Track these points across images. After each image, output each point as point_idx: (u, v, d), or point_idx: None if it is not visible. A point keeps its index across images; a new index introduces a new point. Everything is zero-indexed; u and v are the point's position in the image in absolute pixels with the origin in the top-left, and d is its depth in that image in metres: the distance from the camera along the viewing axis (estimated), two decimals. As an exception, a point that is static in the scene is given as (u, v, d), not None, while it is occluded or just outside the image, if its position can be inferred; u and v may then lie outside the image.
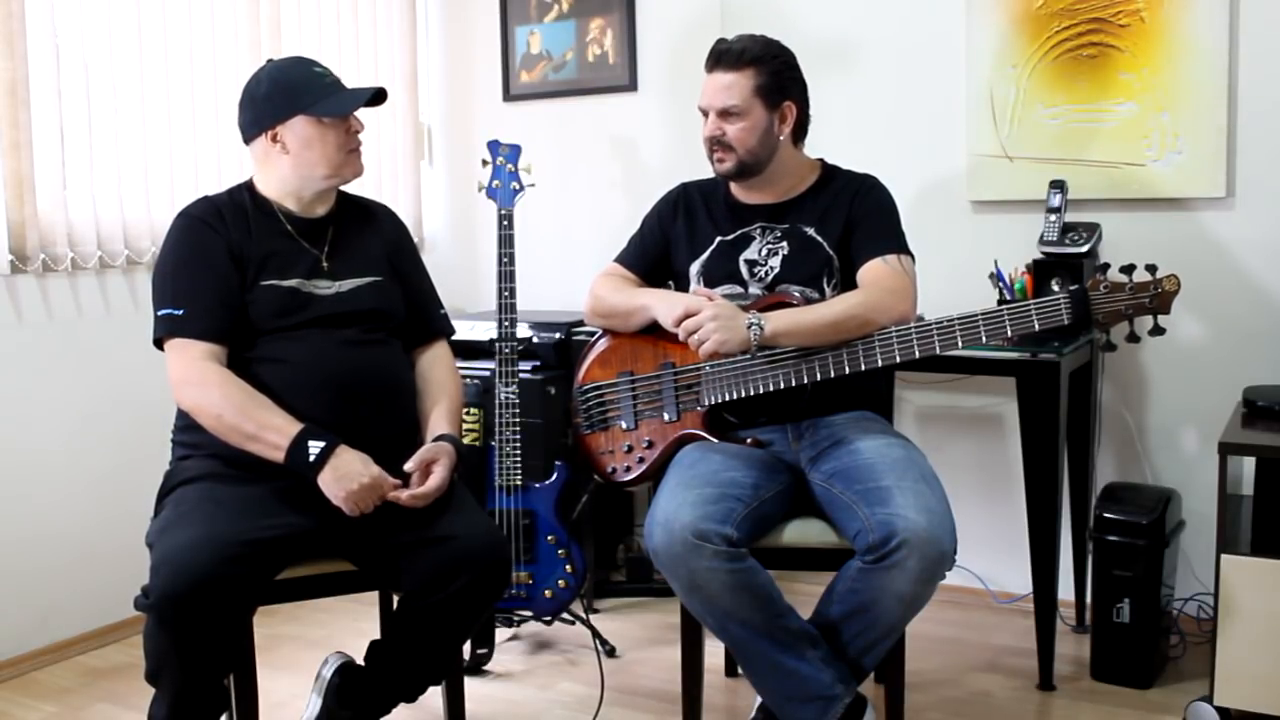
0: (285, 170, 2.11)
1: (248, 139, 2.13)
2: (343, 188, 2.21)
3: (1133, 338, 2.07)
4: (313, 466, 1.91)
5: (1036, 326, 2.04)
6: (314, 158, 2.08)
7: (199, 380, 1.96)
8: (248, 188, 2.16)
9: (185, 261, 2.05)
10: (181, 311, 2.00)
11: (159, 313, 2.03)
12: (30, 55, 2.73)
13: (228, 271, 2.04)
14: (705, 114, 2.29)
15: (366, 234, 2.21)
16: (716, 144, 2.28)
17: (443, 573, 1.95)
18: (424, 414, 2.19)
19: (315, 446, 1.91)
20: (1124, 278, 2.03)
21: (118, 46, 2.92)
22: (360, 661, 2.21)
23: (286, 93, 2.07)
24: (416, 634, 2.06)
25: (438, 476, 2.04)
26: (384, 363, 2.13)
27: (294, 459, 1.91)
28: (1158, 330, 2.04)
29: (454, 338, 2.35)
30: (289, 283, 2.08)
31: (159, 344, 2.03)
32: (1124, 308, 2.03)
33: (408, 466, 2.03)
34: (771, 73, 2.24)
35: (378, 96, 2.12)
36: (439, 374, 2.25)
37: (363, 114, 2.16)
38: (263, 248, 2.08)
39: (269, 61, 2.15)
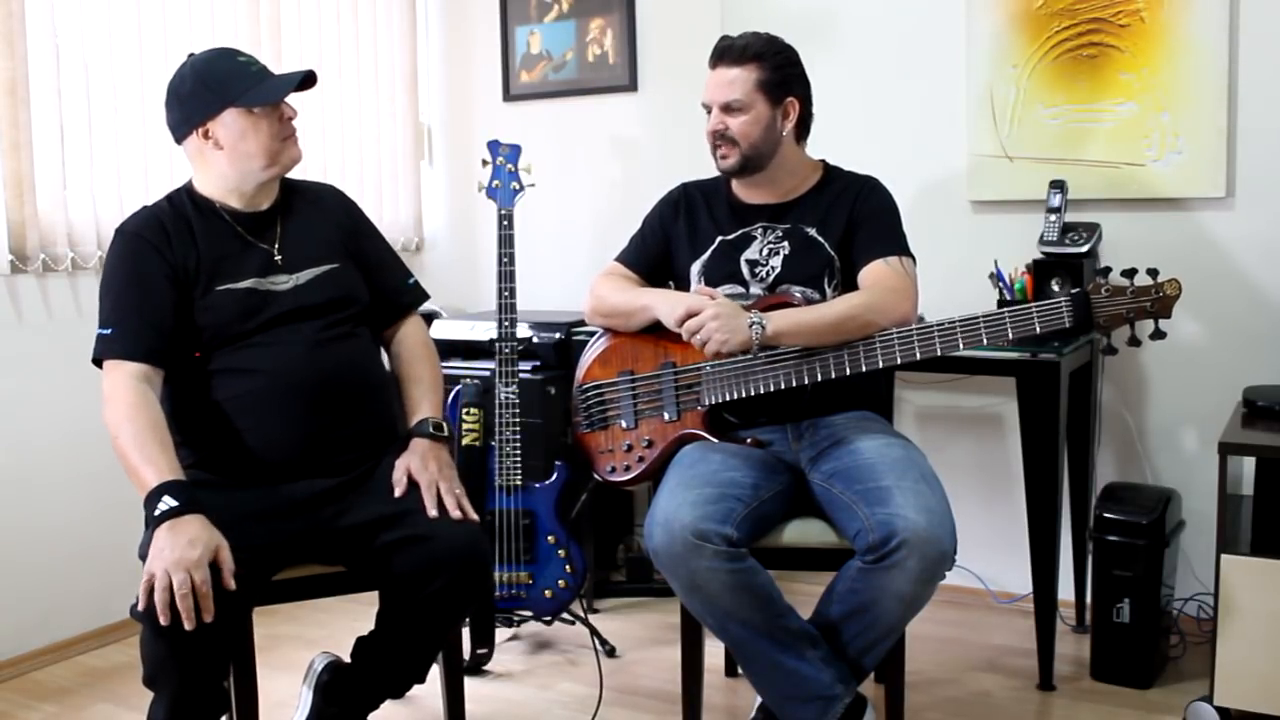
0: (223, 166, 2.06)
1: (179, 138, 2.09)
2: (285, 174, 2.16)
3: (1134, 341, 2.07)
4: (155, 519, 1.78)
5: (1038, 329, 2.04)
6: (250, 149, 2.03)
7: (114, 399, 1.93)
8: (187, 191, 2.11)
9: (113, 281, 2.02)
10: (109, 331, 1.98)
11: (96, 332, 2.00)
12: (30, 55, 2.73)
13: (159, 290, 1.99)
14: (708, 110, 2.30)
15: (315, 220, 2.17)
16: (720, 139, 2.28)
17: (421, 572, 1.94)
18: (405, 400, 2.18)
19: (167, 503, 1.78)
20: (1125, 281, 2.03)
21: (118, 46, 2.92)
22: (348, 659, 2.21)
23: (213, 86, 2.03)
24: (398, 631, 2.05)
25: (422, 476, 2.02)
26: (352, 359, 2.10)
27: (147, 503, 1.81)
28: (1158, 334, 2.04)
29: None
30: (244, 284, 2.04)
31: (97, 364, 1.99)
32: (1125, 311, 2.02)
33: (396, 493, 2.01)
34: (774, 68, 2.25)
35: (307, 80, 2.07)
36: (411, 353, 2.21)
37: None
38: (211, 253, 2.04)
39: (190, 56, 2.10)
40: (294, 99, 2.09)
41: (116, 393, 1.93)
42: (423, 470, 2.03)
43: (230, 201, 2.09)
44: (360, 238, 2.22)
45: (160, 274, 2.00)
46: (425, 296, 2.31)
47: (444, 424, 2.13)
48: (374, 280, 2.21)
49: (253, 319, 2.02)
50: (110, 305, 2.01)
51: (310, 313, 2.07)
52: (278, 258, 2.09)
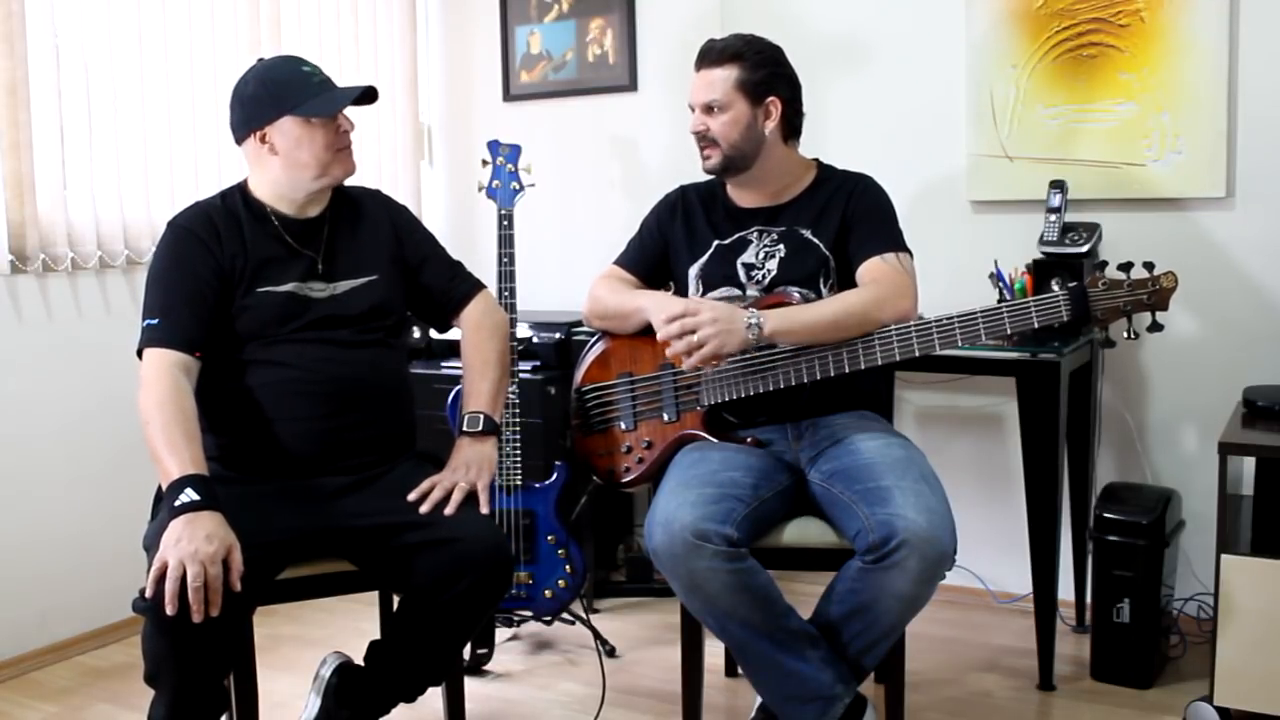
0: (276, 172, 2.09)
1: (238, 140, 2.12)
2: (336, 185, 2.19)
3: (1132, 334, 2.07)
4: (174, 510, 1.78)
5: (1036, 324, 2.04)
6: (303, 158, 2.06)
7: (150, 386, 1.94)
8: (240, 190, 2.15)
9: (163, 273, 2.04)
10: (156, 321, 2.00)
11: (141, 324, 2.02)
12: (30, 55, 2.73)
13: (206, 282, 2.03)
14: (694, 110, 2.30)
15: (361, 230, 2.19)
16: (702, 139, 2.29)
17: (447, 574, 1.95)
18: (464, 386, 2.22)
19: (189, 495, 1.79)
20: (1122, 275, 2.04)
21: (118, 46, 2.92)
22: (359, 661, 2.21)
23: (274, 93, 2.06)
24: (418, 634, 2.06)
25: (444, 477, 2.05)
26: (376, 366, 2.12)
27: (168, 494, 1.82)
28: (1156, 327, 2.04)
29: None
30: (285, 288, 2.08)
31: (140, 355, 2.00)
32: (1122, 304, 2.03)
33: (410, 497, 2.02)
34: (754, 68, 2.25)
35: (367, 95, 2.10)
36: (468, 338, 2.24)
37: (361, 114, 2.16)
38: (257, 255, 2.07)
39: (259, 61, 2.14)
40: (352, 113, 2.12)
41: (153, 380, 1.95)
42: (446, 471, 2.08)
43: (280, 207, 2.12)
44: (403, 243, 2.23)
45: (207, 268, 2.04)
46: (477, 285, 2.31)
47: (481, 416, 2.15)
48: (420, 280, 2.24)
49: (289, 323, 2.06)
50: (158, 295, 2.03)
51: (343, 321, 2.10)
52: (320, 265, 2.12)
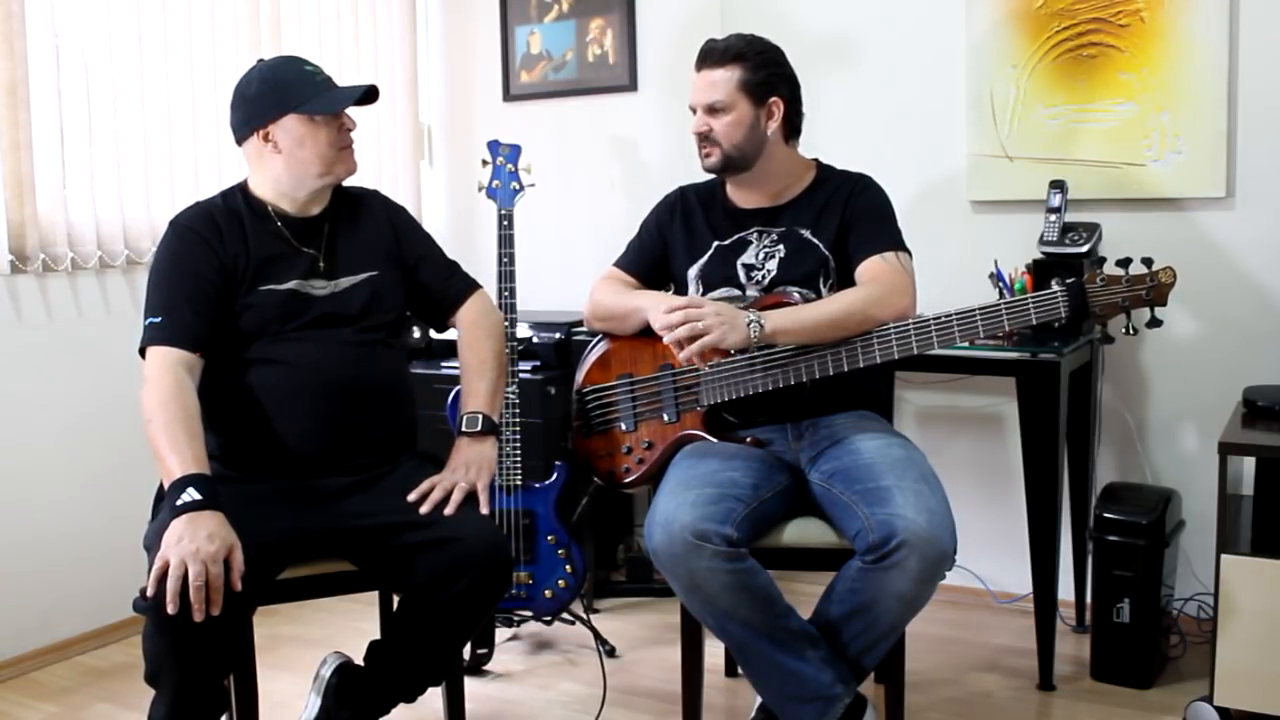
0: (278, 170, 2.10)
1: (239, 139, 2.13)
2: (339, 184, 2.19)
3: (1130, 330, 2.07)
4: (175, 509, 1.78)
5: (1034, 320, 2.04)
6: (307, 156, 2.07)
7: (151, 382, 1.94)
8: (241, 190, 2.15)
9: (166, 271, 2.05)
10: (159, 320, 2.00)
11: (144, 322, 2.03)
12: (30, 55, 2.73)
13: (208, 280, 2.03)
14: (695, 111, 2.30)
15: (361, 228, 2.20)
16: (704, 140, 2.29)
17: (446, 574, 1.95)
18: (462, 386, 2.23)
19: (191, 495, 1.79)
20: (1120, 270, 2.04)
21: (118, 46, 2.93)
22: (359, 661, 2.21)
23: (277, 91, 2.07)
24: (418, 634, 2.06)
25: (443, 478, 2.06)
26: (378, 365, 2.13)
27: (170, 493, 1.82)
28: (1155, 322, 2.04)
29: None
30: (287, 286, 2.08)
31: (143, 353, 2.01)
32: (1121, 300, 2.03)
33: (410, 498, 2.02)
34: (756, 68, 2.25)
35: (369, 94, 2.11)
36: (464, 338, 2.25)
37: (361, 114, 2.17)
38: (259, 253, 2.08)
39: (259, 61, 2.15)
40: (354, 112, 2.13)
41: (156, 378, 1.95)
42: (446, 472, 2.08)
43: (282, 205, 2.13)
44: (401, 242, 2.24)
45: (210, 267, 2.05)
46: (474, 285, 2.31)
47: (479, 416, 2.15)
48: (417, 278, 2.24)
49: (291, 321, 2.07)
50: (161, 293, 2.03)
51: (344, 320, 2.11)
52: (321, 263, 2.13)
